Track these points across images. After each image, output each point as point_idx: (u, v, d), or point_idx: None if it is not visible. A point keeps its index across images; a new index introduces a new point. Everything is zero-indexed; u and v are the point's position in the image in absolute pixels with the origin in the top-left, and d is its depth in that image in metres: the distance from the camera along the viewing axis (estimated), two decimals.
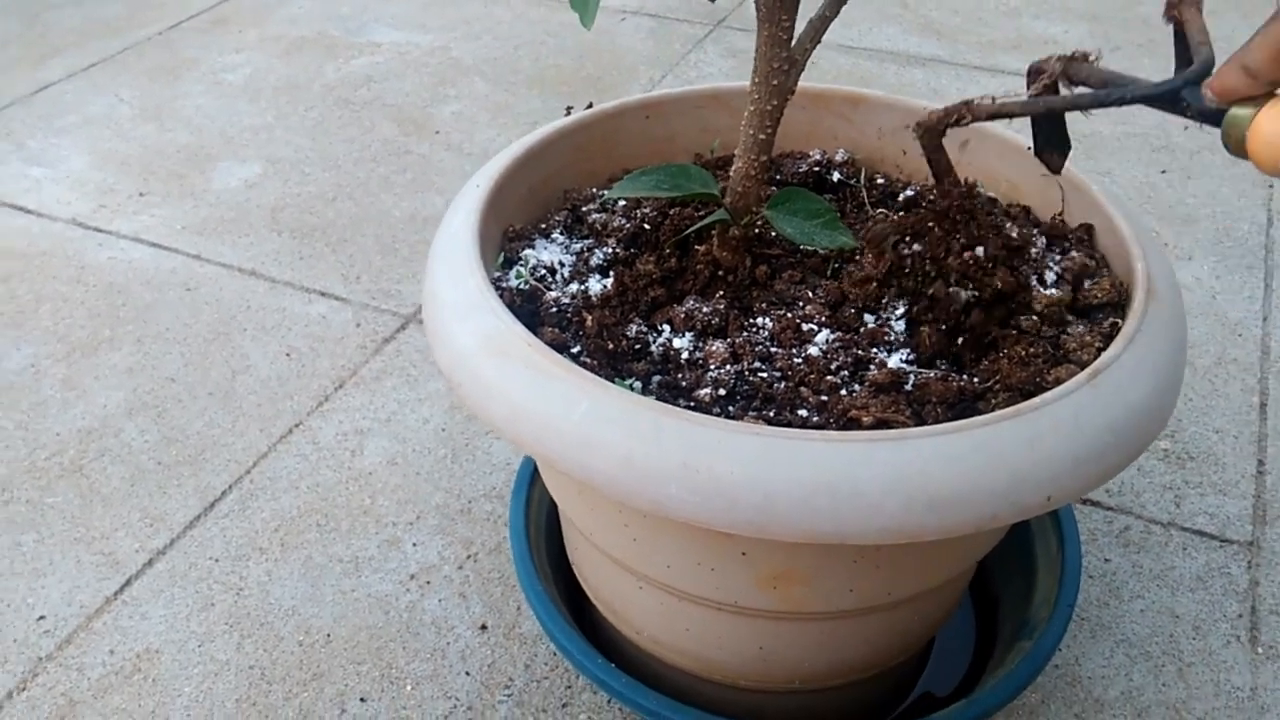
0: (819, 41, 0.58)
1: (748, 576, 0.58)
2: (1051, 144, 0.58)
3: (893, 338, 0.58)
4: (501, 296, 0.57)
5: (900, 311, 0.58)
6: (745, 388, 0.55)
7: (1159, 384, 0.53)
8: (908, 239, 0.58)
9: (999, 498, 0.48)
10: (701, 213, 0.64)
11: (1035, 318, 0.57)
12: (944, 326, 0.56)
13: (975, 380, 0.55)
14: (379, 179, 1.37)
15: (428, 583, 0.85)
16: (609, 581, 0.69)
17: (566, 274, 0.63)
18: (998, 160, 0.70)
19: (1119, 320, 0.57)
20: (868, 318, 0.59)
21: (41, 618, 0.83)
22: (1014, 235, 0.59)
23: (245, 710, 0.76)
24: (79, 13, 1.81)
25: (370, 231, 1.27)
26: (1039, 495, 0.49)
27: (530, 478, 0.80)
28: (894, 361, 0.56)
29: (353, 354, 1.08)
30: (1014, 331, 0.57)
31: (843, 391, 0.54)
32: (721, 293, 0.61)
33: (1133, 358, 0.52)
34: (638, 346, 0.58)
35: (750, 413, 0.53)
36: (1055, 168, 0.59)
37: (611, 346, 0.58)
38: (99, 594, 0.84)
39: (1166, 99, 0.48)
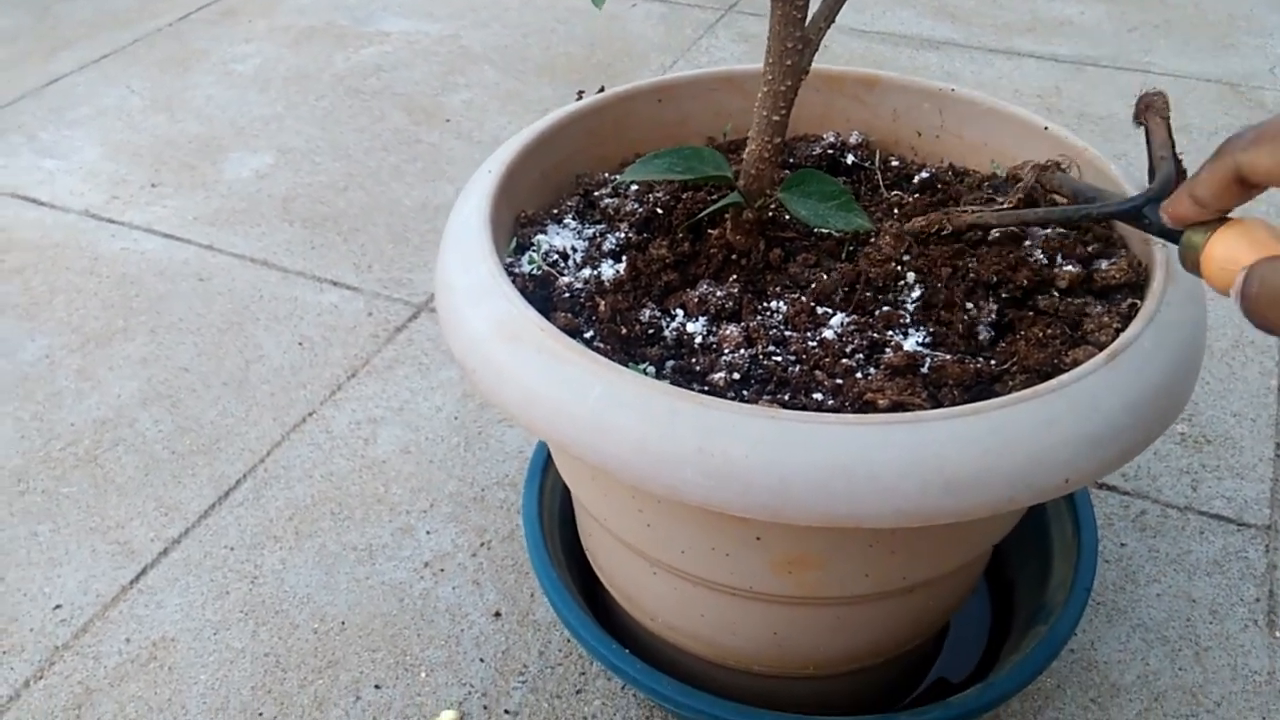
0: (833, 21, 0.57)
1: (762, 561, 0.57)
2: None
3: (908, 320, 0.57)
4: (514, 282, 0.56)
5: (917, 295, 0.58)
6: (759, 371, 0.54)
7: (1178, 365, 0.52)
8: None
9: (1016, 480, 0.48)
10: (715, 196, 0.63)
11: (1055, 293, 0.57)
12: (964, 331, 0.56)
13: (992, 362, 0.54)
14: (390, 168, 1.37)
15: (441, 570, 0.85)
16: (623, 567, 0.68)
17: (579, 259, 0.63)
18: (1012, 142, 0.69)
19: (1137, 301, 0.56)
20: (883, 301, 0.59)
21: (58, 606, 0.83)
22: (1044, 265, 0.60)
23: (261, 697, 0.76)
24: (89, 5, 1.81)
25: (381, 220, 1.27)
26: (1057, 477, 0.48)
27: (543, 465, 0.80)
28: (910, 344, 0.56)
29: (365, 343, 1.08)
30: (1031, 313, 0.57)
31: (858, 374, 0.54)
32: (735, 276, 0.60)
33: (1152, 338, 0.52)
34: (651, 331, 0.58)
35: (765, 396, 0.53)
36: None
37: (625, 331, 0.57)
38: (114, 583, 0.85)
39: (1130, 216, 0.50)
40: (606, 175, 0.70)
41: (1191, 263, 0.45)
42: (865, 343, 0.56)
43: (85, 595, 0.84)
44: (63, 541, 0.88)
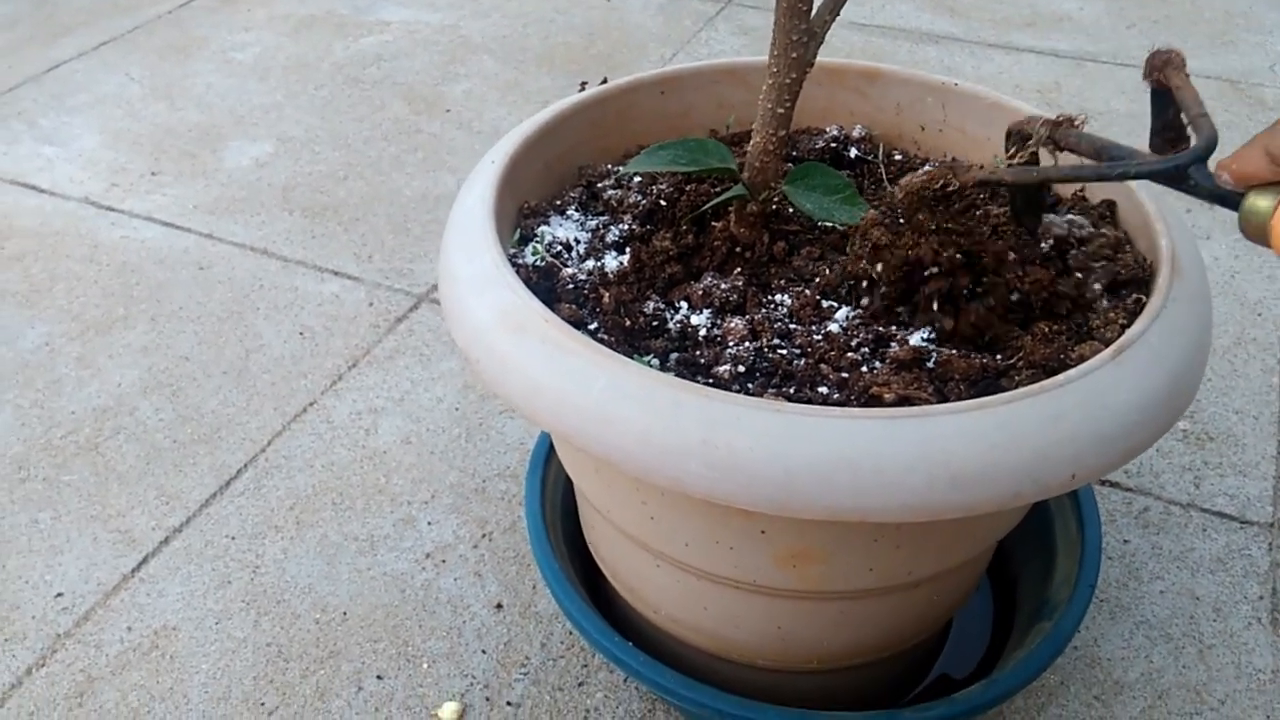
0: (838, 14, 0.57)
1: (766, 555, 0.57)
2: (1029, 210, 0.58)
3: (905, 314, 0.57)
4: (518, 273, 0.56)
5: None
6: (764, 365, 0.54)
7: (1184, 360, 0.52)
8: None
9: (1022, 475, 0.47)
10: (718, 188, 0.63)
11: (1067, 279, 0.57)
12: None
13: (998, 357, 0.54)
14: (390, 158, 1.36)
15: (443, 561, 0.85)
16: (626, 560, 0.68)
17: (583, 250, 0.63)
18: None
19: (1143, 297, 0.56)
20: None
21: (59, 595, 0.83)
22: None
23: (262, 687, 0.76)
24: None
25: (382, 210, 1.26)
26: (1063, 473, 0.48)
27: (545, 456, 0.80)
28: (916, 339, 0.55)
29: (366, 333, 1.08)
30: (1037, 308, 0.56)
31: (864, 368, 0.54)
32: (739, 269, 0.60)
33: (1158, 334, 0.51)
34: (655, 323, 0.58)
35: (770, 390, 0.53)
36: (1032, 232, 0.59)
37: (629, 323, 0.57)
38: (116, 571, 0.85)
39: (1172, 177, 0.45)
40: (610, 166, 0.70)
41: (1256, 229, 0.40)
42: (871, 336, 0.55)
43: (87, 583, 0.84)
44: (64, 529, 0.88)
